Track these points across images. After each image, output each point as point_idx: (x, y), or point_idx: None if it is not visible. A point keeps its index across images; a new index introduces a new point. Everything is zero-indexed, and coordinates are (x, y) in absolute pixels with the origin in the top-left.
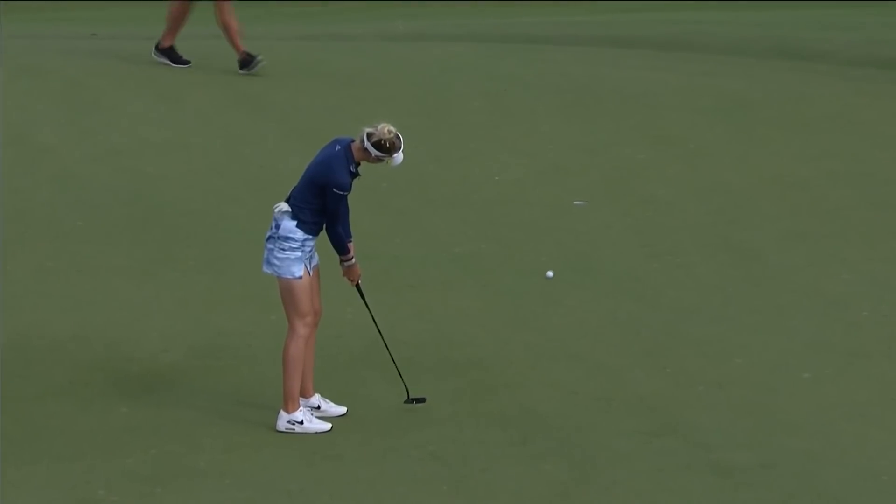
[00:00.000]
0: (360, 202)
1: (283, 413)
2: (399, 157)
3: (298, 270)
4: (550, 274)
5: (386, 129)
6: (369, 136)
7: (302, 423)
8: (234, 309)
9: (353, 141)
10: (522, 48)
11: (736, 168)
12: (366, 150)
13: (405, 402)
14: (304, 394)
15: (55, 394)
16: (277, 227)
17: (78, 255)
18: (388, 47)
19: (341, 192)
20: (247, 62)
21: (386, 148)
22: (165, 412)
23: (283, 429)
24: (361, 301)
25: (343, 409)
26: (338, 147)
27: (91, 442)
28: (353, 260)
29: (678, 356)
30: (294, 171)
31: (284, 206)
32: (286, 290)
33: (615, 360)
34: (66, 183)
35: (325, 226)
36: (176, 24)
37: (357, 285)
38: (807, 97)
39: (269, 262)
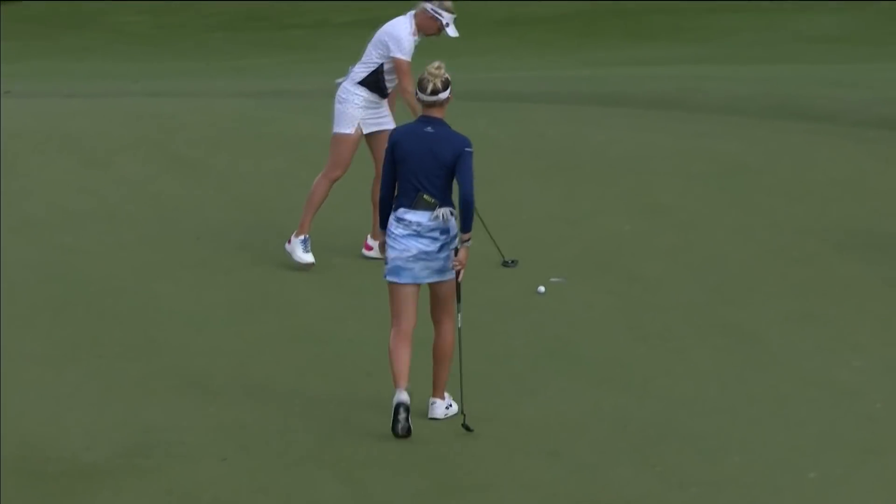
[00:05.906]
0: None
1: (438, 400)
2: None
3: None
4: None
5: (427, 71)
6: (428, 85)
7: (451, 406)
8: (166, 400)
9: (431, 118)
10: (495, 106)
11: (733, 241)
12: (447, 93)
13: None
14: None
15: None
16: (447, 231)
17: None
18: None
19: (471, 149)
20: None
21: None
22: None
23: (440, 415)
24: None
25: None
26: (429, 128)
27: None
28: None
29: (669, 453)
30: (238, 241)
31: (450, 209)
32: (456, 286)
33: (598, 458)
34: None
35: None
36: None
37: (457, 277)
38: (813, 161)
39: (443, 272)
